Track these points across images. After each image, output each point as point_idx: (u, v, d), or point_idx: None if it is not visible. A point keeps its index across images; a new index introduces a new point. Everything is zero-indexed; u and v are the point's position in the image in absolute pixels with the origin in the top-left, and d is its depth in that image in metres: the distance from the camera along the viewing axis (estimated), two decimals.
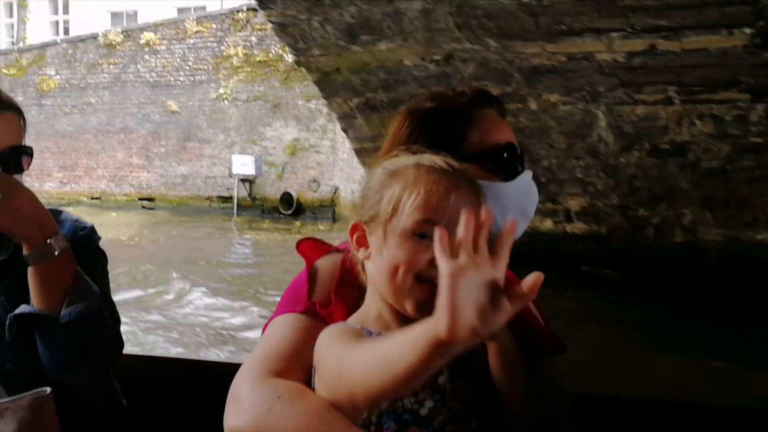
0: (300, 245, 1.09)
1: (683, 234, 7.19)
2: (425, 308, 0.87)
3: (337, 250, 1.08)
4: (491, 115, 1.14)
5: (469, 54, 6.03)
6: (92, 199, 17.77)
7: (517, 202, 1.12)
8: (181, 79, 17.09)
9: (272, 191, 15.99)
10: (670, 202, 6.92)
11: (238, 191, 16.10)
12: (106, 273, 1.36)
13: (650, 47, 5.29)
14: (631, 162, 6.64)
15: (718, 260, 7.18)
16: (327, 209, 15.35)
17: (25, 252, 1.17)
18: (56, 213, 1.32)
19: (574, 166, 6.95)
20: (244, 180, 16.06)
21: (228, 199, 16.40)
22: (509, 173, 1.11)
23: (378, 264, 0.92)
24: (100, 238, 1.37)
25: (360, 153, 7.99)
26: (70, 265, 1.19)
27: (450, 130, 1.10)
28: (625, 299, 6.87)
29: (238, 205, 16.10)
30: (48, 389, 1.05)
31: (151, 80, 17.36)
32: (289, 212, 15.63)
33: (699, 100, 5.72)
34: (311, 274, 1.03)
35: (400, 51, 6.22)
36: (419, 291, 0.88)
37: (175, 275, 7.70)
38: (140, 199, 17.44)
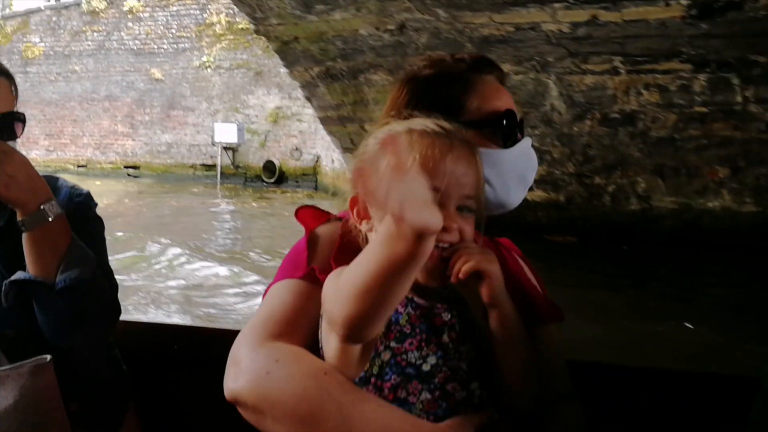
0: (299, 213, 1.08)
1: (638, 201, 7.34)
2: (436, 275, 0.90)
3: (337, 218, 1.07)
4: (490, 81, 1.13)
5: (420, 24, 6.11)
6: (78, 167, 17.88)
7: (516, 169, 1.12)
8: (165, 46, 17.08)
9: (255, 159, 16.11)
10: (623, 170, 7.06)
11: (222, 159, 16.22)
12: (103, 239, 1.36)
13: (592, 18, 5.38)
14: (583, 131, 6.76)
15: (672, 227, 7.34)
16: (309, 177, 15.47)
17: (19, 218, 1.17)
18: (53, 179, 1.32)
19: (529, 134, 7.03)
20: (227, 148, 16.16)
21: (212, 167, 16.52)
22: (508, 140, 1.10)
23: None
24: (96, 205, 1.36)
25: (324, 121, 8.11)
26: (64, 232, 1.19)
27: (448, 97, 1.09)
28: (584, 266, 7.04)
29: (221, 173, 16.24)
30: (48, 357, 1.06)
31: (135, 48, 17.35)
32: (272, 180, 15.76)
33: (643, 70, 5.83)
34: (311, 241, 1.03)
35: (355, 20, 6.30)
36: (428, 258, 0.86)
37: (148, 242, 7.84)
38: (126, 167, 17.55)
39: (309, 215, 1.07)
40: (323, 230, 1.03)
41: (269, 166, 15.82)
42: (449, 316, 0.91)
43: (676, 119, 6.21)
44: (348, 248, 0.97)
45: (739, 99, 5.78)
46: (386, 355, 0.88)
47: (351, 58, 6.85)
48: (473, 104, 1.09)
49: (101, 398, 1.31)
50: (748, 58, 5.33)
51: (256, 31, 6.97)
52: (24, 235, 1.17)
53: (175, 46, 16.99)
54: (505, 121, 1.09)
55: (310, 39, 6.78)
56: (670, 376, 1.24)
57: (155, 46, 17.16)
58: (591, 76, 6.09)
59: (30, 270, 1.18)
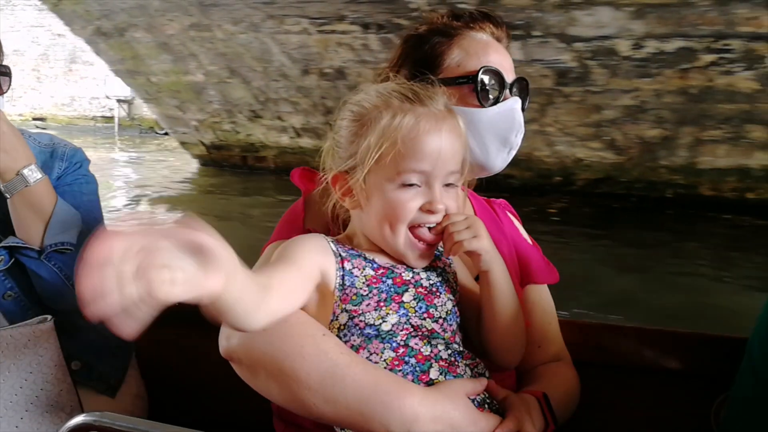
0: (294, 174, 1.07)
1: None
2: (425, 257, 0.90)
3: None
4: (480, 38, 1.09)
5: None
6: None
7: (496, 129, 1.06)
8: None
9: (149, 112, 16.91)
10: None
11: (119, 112, 17.05)
12: (96, 198, 1.33)
13: None
14: (313, 84, 7.62)
15: None
16: None
17: (1, 185, 1.15)
18: (46, 137, 1.30)
19: (277, 87, 7.93)
20: (121, 101, 17.00)
21: (111, 119, 17.37)
22: (483, 98, 1.05)
23: (368, 215, 0.90)
24: (89, 162, 1.33)
25: (117, 74, 8.96)
26: (48, 195, 1.17)
27: (429, 53, 1.07)
28: None
29: (119, 125, 17.10)
30: (49, 317, 1.06)
31: (38, 2, 17.97)
32: (164, 132, 16.63)
33: (326, 30, 6.66)
34: (308, 203, 1.02)
35: None
36: (416, 243, 0.88)
37: None
38: (34, 119, 18.38)
39: (305, 177, 1.06)
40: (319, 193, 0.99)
41: None
42: (411, 275, 0.90)
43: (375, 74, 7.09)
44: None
45: None
46: (343, 318, 0.87)
47: (111, 18, 7.67)
48: (454, 60, 1.07)
49: (102, 356, 1.30)
50: (394, 21, 6.20)
51: None
52: (8, 201, 1.16)
53: None
54: (481, 78, 1.05)
55: (72, 0, 7.60)
56: (662, 335, 1.25)
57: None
58: (294, 36, 6.94)
59: (18, 235, 1.17)
